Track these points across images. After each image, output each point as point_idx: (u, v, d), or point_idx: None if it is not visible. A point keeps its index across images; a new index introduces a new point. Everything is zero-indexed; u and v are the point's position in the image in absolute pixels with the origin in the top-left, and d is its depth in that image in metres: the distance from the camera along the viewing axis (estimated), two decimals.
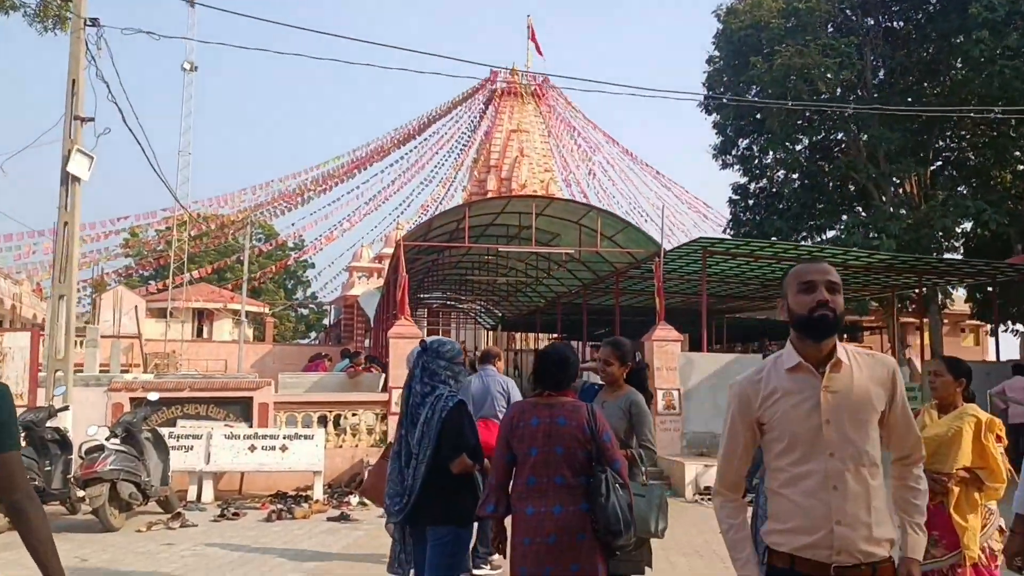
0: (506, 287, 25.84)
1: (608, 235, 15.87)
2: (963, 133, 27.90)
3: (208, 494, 12.24)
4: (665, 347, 14.76)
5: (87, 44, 12.33)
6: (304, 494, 12.76)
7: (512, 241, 18.44)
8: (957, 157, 28.37)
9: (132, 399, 12.90)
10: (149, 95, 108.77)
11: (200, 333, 43.22)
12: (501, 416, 6.78)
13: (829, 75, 26.17)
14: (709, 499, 12.64)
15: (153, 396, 12.08)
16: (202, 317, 43.47)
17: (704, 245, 15.13)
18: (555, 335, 31.65)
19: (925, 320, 26.33)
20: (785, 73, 26.55)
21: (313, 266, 64.30)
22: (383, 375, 16.11)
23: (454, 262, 22.23)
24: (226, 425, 13.54)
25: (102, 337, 38.36)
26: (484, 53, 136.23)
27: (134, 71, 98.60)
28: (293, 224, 53.83)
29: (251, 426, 13.62)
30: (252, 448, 12.79)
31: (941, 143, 28.26)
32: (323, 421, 14.31)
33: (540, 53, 57.28)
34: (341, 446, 13.99)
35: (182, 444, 12.63)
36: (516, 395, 7.78)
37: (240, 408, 13.77)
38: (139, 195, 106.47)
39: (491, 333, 41.02)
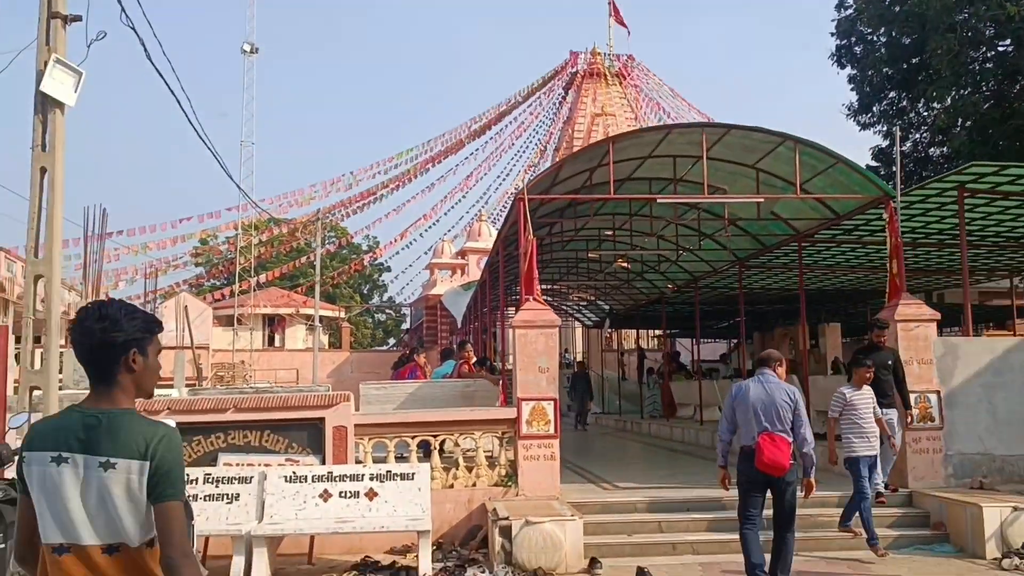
0: (626, 272, 21.26)
1: (805, 179, 11.26)
2: None
3: (262, 569, 8.05)
4: (914, 329, 10.09)
5: None
6: (403, 563, 8.57)
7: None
8: None
9: None
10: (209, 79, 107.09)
11: (272, 341, 39.76)
12: (784, 431, 6.73)
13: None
14: None
15: (169, 422, 7.94)
16: (273, 324, 40.02)
17: (961, 182, 10.40)
18: (668, 331, 27.00)
19: None
20: None
21: (389, 269, 60.79)
22: (500, 382, 11.81)
23: (567, 239, 17.81)
24: (287, 460, 9.41)
25: (165, 348, 35.07)
26: (563, 34, 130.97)
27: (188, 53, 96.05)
28: (367, 227, 50.17)
29: (323, 461, 9.47)
30: (325, 496, 8.61)
31: None
32: (424, 449, 10.07)
33: (624, 25, 52.67)
34: (452, 485, 9.73)
35: (222, 492, 8.52)
36: (803, 407, 6.99)
37: (307, 435, 9.62)
38: (201, 196, 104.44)
39: (589, 333, 36.46)
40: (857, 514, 8.66)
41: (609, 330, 33.63)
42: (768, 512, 7.18)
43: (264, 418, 9.55)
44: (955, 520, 9.04)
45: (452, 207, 46.77)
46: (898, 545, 8.99)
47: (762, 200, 11.88)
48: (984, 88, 24.60)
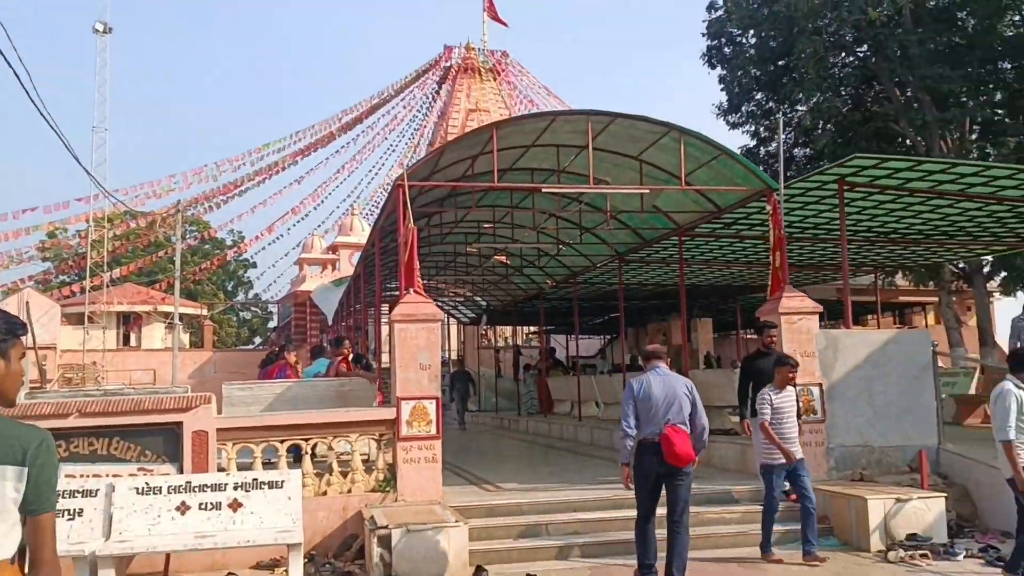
0: (505, 268, 20.86)
1: (688, 171, 11.09)
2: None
3: None
4: (798, 322, 10.06)
5: None
6: None
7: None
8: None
9: None
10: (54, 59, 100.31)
11: (127, 341, 37.37)
12: (684, 423, 6.85)
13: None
14: (911, 556, 8.02)
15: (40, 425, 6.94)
16: (128, 322, 37.62)
17: (841, 175, 10.45)
18: (545, 328, 26.82)
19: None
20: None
21: (255, 265, 58.50)
22: (376, 380, 11.13)
23: (445, 232, 17.23)
24: (140, 470, 8.48)
25: None
26: (439, 28, 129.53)
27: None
28: (231, 221, 47.99)
29: (181, 469, 8.58)
30: (183, 508, 7.77)
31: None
32: (295, 454, 9.31)
33: (499, 20, 52.52)
34: (325, 492, 9.01)
35: (63, 507, 7.56)
36: (699, 397, 7.17)
37: (163, 441, 8.70)
38: (50, 185, 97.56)
39: (464, 330, 36.01)
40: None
41: (486, 327, 33.26)
42: (661, 511, 7.09)
43: (113, 423, 8.56)
44: (839, 513, 9.03)
45: (322, 201, 45.34)
46: (784, 540, 8.87)
47: (646, 191, 11.67)
48: (844, 92, 25.56)
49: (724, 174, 11.51)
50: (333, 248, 38.75)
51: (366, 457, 9.77)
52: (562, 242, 16.45)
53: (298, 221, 43.00)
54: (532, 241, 16.78)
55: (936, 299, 27.95)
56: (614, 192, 11.64)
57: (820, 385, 10.04)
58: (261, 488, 7.99)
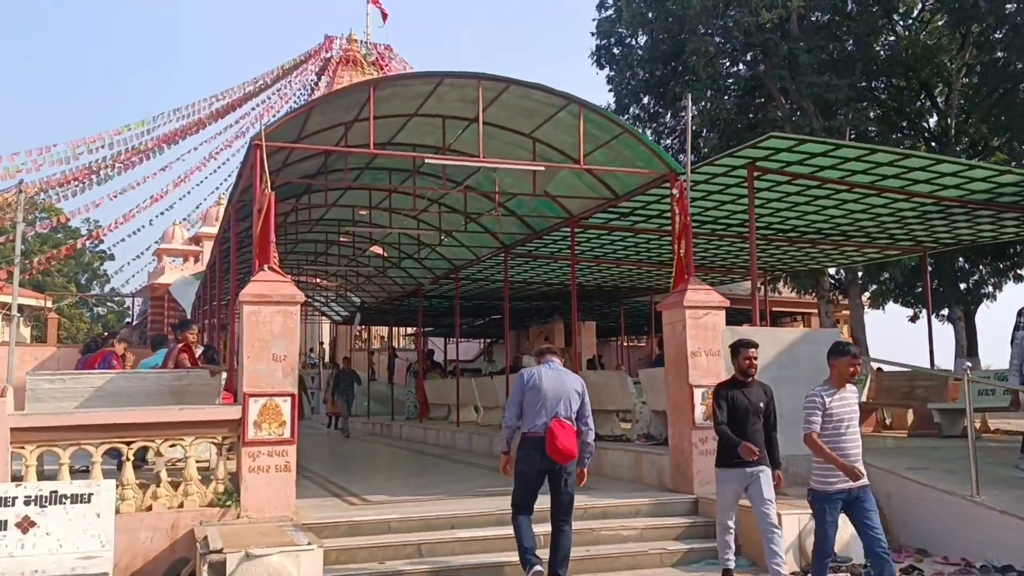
0: (382, 261, 19.36)
1: (586, 151, 10.02)
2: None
3: None
4: (703, 317, 9.11)
5: None
6: None
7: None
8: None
9: None
10: None
11: None
12: (574, 418, 6.68)
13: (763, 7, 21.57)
14: None
15: None
16: None
17: (753, 159, 9.58)
18: (423, 330, 25.40)
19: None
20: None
21: (112, 258, 54.62)
22: (223, 375, 9.54)
23: (315, 218, 15.66)
24: None
25: None
26: (320, 18, 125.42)
27: None
28: (85, 207, 44.34)
29: None
30: None
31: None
32: (114, 461, 7.67)
33: (382, 11, 50.91)
34: (150, 507, 7.40)
35: None
36: (588, 396, 6.90)
37: None
38: None
39: (337, 329, 34.17)
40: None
41: (360, 326, 31.56)
42: (543, 506, 6.75)
43: None
44: (748, 530, 8.06)
45: (188, 192, 42.59)
46: (688, 561, 7.90)
47: (541, 168, 10.52)
48: (730, 97, 25.36)
49: (624, 156, 10.50)
50: (196, 239, 36.20)
51: (206, 465, 8.21)
52: (445, 231, 15.17)
53: (163, 212, 40.05)
54: (412, 228, 15.42)
55: (814, 309, 28.14)
56: (505, 168, 10.46)
57: None
58: (61, 503, 6.39)
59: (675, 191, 9.57)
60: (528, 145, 11.08)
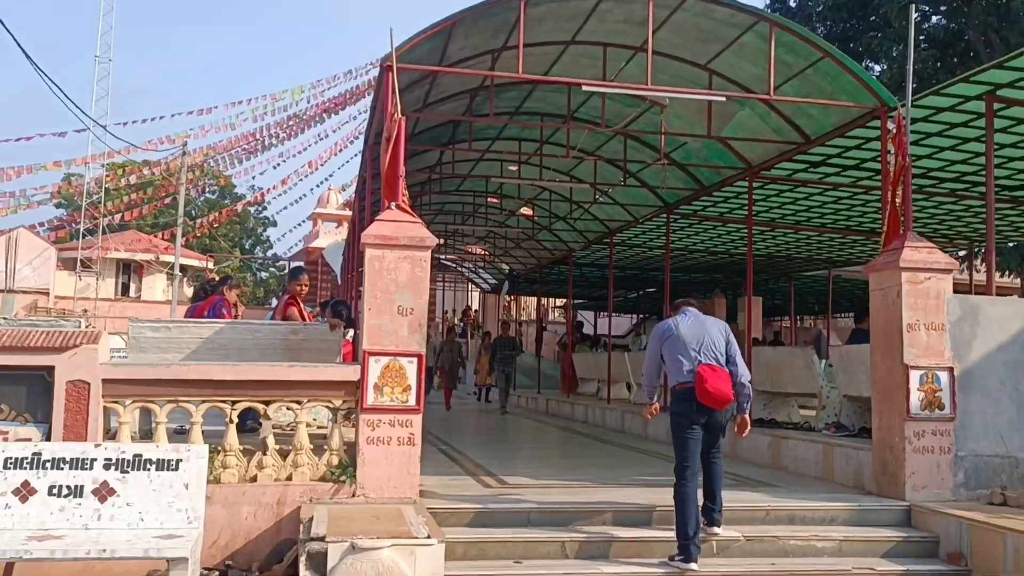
0: (531, 224, 18.07)
1: (776, 83, 8.29)
2: None
3: None
4: (924, 283, 7.26)
5: None
6: None
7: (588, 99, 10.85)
8: None
9: None
10: None
11: (126, 291, 35.19)
12: (722, 365, 6.10)
13: None
14: None
15: None
16: (129, 271, 35.41)
17: (993, 86, 7.56)
18: (573, 298, 23.99)
19: None
20: None
21: (275, 224, 56.25)
22: (349, 331, 8.52)
23: (458, 176, 14.52)
24: None
25: None
26: None
27: None
28: (249, 173, 45.45)
29: (49, 434, 6.04)
30: (25, 492, 5.25)
31: None
32: (216, 425, 6.71)
33: None
34: (255, 478, 6.39)
35: None
36: (734, 339, 6.37)
37: (27, 393, 6.17)
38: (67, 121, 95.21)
39: (486, 299, 33.30)
40: None
41: (508, 296, 30.56)
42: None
43: None
44: (984, 551, 6.27)
45: (348, 161, 42.80)
46: None
47: (722, 99, 8.86)
48: (928, 48, 22.42)
49: (823, 89, 8.70)
50: (349, 205, 36.18)
51: (325, 431, 7.17)
52: (601, 187, 13.67)
53: (323, 181, 40.45)
54: (565, 181, 14.02)
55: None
56: (678, 97, 8.83)
57: (950, 370, 7.26)
58: (146, 468, 5.43)
59: (891, 126, 7.71)
60: (703, 80, 9.45)
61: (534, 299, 33.80)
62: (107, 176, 34.99)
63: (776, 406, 11.18)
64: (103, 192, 33.00)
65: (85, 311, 29.42)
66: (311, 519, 5.76)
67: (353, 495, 6.39)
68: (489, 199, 16.60)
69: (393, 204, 6.79)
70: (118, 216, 32.53)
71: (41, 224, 40.61)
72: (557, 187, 14.12)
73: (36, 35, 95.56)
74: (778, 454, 9.41)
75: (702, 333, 6.17)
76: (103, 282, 32.29)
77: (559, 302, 33.99)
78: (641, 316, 32.66)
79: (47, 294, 30.72)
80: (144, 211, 34.55)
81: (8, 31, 11.90)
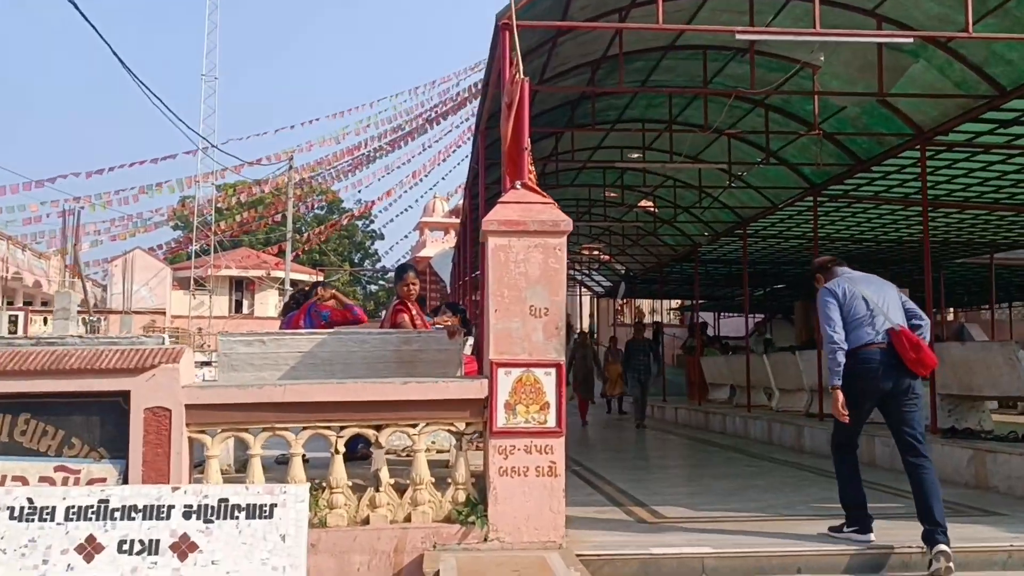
0: (652, 218, 16.65)
1: (966, 24, 6.77)
2: None
3: None
4: None
5: None
6: None
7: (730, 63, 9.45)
8: None
9: None
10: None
11: (239, 307, 35.41)
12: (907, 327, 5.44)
13: None
14: None
15: None
16: (242, 288, 35.63)
17: None
18: (692, 300, 22.36)
19: None
20: None
21: (383, 237, 56.38)
22: (468, 339, 7.41)
23: (574, 167, 13.30)
24: (59, 470, 5.05)
25: (111, 313, 30.90)
26: None
27: None
28: (354, 186, 45.46)
29: (126, 473, 5.07)
30: (90, 549, 4.28)
31: None
32: (322, 451, 5.65)
33: None
34: (366, 520, 5.28)
35: None
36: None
37: (100, 424, 5.23)
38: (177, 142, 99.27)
39: (597, 303, 31.93)
40: None
41: (622, 300, 29.11)
42: None
43: (19, 390, 5.15)
44: None
45: (452, 170, 42.26)
46: None
47: (909, 41, 7.33)
48: None
49: None
50: (456, 212, 35.54)
51: (447, 461, 6.04)
52: (736, 171, 12.22)
53: (428, 191, 39.87)
54: (691, 174, 12.64)
55: None
56: (847, 42, 7.36)
57: None
58: (234, 516, 4.41)
59: None
60: (868, 25, 7.95)
61: (647, 301, 32.25)
62: (219, 196, 35.38)
63: (963, 412, 9.52)
64: (214, 212, 33.25)
65: (200, 329, 29.58)
66: (437, 574, 4.62)
67: (485, 539, 5.22)
68: (607, 192, 15.31)
69: (518, 183, 5.61)
70: (229, 233, 32.71)
71: (159, 247, 41.65)
72: (688, 168, 12.69)
73: (134, 53, 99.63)
74: (983, 471, 7.79)
75: (884, 292, 5.58)
76: (216, 299, 32.47)
77: (673, 304, 32.35)
78: (766, 316, 30.67)
79: (163, 313, 31.05)
80: (255, 227, 34.71)
81: (129, 70, 11.35)
